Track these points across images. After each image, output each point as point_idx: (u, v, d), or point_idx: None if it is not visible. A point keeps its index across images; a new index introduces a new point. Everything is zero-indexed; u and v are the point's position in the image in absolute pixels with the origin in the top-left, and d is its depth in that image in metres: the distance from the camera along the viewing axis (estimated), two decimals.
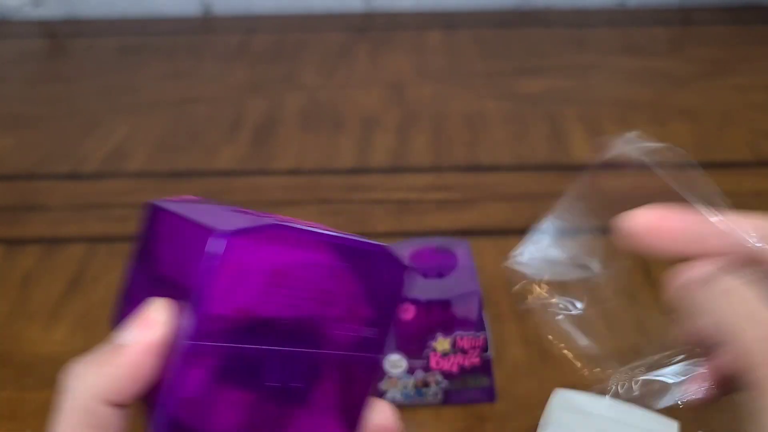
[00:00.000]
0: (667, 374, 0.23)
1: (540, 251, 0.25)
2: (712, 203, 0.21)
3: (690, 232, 0.18)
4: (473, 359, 0.38)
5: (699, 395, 0.21)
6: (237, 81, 0.76)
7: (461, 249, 0.39)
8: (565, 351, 0.24)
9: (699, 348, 0.20)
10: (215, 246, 0.17)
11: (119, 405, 0.19)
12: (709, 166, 0.63)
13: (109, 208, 0.57)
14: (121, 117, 0.70)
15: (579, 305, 0.25)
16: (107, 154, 0.64)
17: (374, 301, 0.20)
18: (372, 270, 0.20)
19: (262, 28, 0.89)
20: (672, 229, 0.19)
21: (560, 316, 0.25)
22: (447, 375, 0.39)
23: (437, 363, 0.38)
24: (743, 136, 0.63)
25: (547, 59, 0.79)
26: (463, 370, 0.38)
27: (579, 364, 0.24)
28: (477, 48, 0.82)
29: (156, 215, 0.22)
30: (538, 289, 0.25)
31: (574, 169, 0.60)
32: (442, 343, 0.37)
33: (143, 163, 0.63)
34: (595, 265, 0.25)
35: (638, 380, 0.23)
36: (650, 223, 0.20)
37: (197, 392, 0.18)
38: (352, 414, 0.20)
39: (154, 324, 0.19)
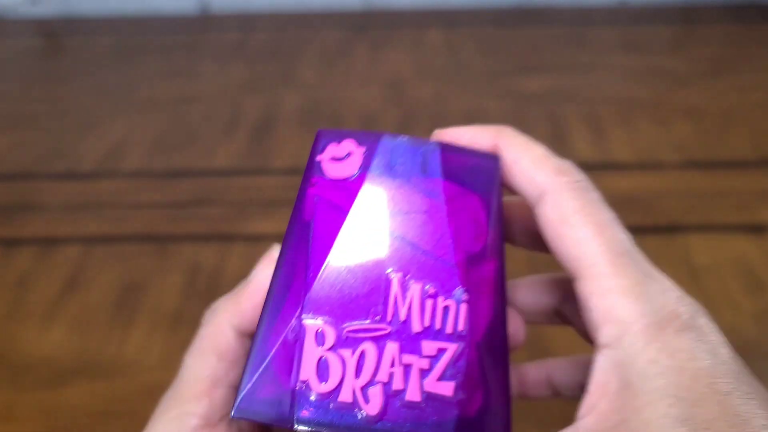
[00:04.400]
0: None
1: None
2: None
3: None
4: None
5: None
6: (235, 79, 0.76)
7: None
8: None
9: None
10: None
11: (243, 333, 0.21)
12: (711, 165, 0.63)
13: (105, 208, 0.57)
14: (117, 116, 0.69)
15: None
16: (104, 153, 0.64)
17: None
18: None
19: (260, 26, 0.89)
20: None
21: None
22: None
23: None
24: (746, 135, 0.63)
25: (548, 58, 0.78)
26: None
27: None
28: (477, 46, 0.82)
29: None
30: None
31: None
32: None
33: (140, 162, 0.62)
34: None
35: None
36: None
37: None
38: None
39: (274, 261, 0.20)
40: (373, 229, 0.20)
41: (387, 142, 0.20)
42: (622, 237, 0.19)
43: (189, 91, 0.74)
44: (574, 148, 0.62)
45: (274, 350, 0.18)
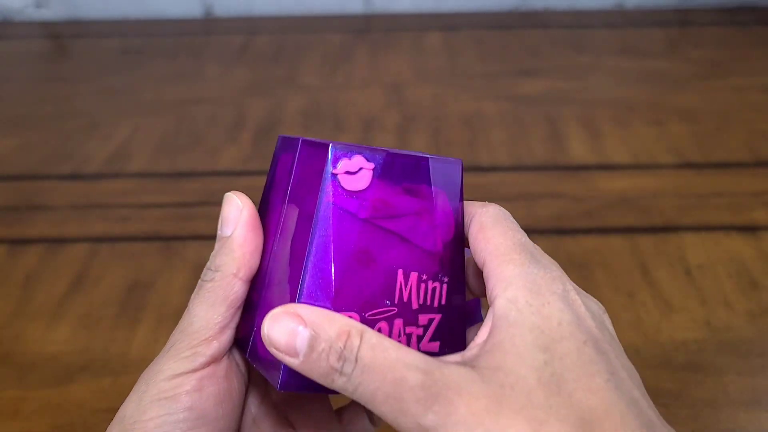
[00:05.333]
0: None
1: None
2: None
3: None
4: None
5: None
6: (238, 82, 0.77)
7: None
8: None
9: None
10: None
11: (246, 281, 0.25)
12: (707, 166, 0.64)
13: (111, 209, 0.57)
14: (123, 118, 0.70)
15: None
16: (109, 154, 0.64)
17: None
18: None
19: (263, 29, 0.90)
20: None
21: None
22: None
23: None
24: (741, 136, 0.64)
25: (545, 60, 0.79)
26: None
27: None
28: (476, 49, 0.82)
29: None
30: None
31: (573, 169, 0.60)
32: None
33: (145, 163, 0.63)
34: None
35: None
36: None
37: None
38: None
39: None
40: (382, 232, 0.24)
41: (389, 158, 0.24)
42: (521, 237, 0.24)
43: (193, 93, 0.75)
44: (571, 149, 0.63)
45: None
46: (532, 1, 0.92)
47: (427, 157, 0.25)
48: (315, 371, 0.21)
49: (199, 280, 0.25)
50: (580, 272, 0.49)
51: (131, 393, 0.25)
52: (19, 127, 0.69)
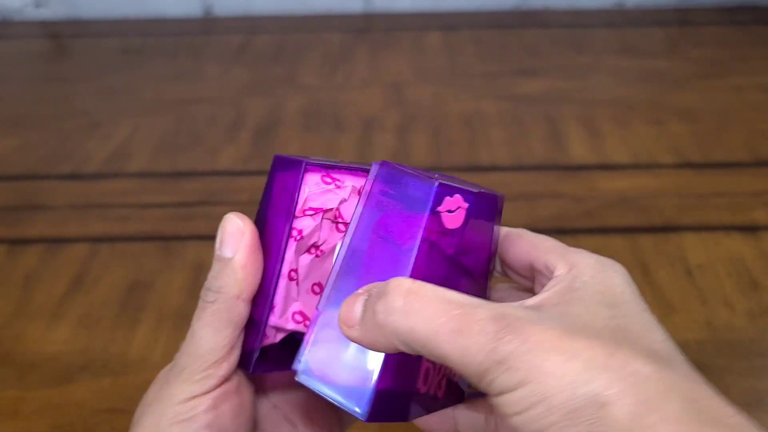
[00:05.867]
0: None
1: None
2: None
3: None
4: None
5: None
6: (238, 81, 0.77)
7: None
8: None
9: None
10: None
11: (248, 301, 0.25)
12: (707, 166, 0.64)
13: (110, 208, 0.57)
14: (122, 117, 0.70)
15: None
16: (109, 154, 0.64)
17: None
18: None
19: (262, 29, 0.90)
20: None
21: None
22: None
23: None
24: (741, 136, 0.64)
25: (545, 60, 0.79)
26: None
27: None
28: (476, 49, 0.82)
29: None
30: None
31: (573, 169, 0.60)
32: None
33: (145, 163, 0.63)
34: None
35: None
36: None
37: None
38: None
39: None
40: (458, 267, 0.25)
41: (479, 198, 0.25)
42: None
43: (193, 92, 0.75)
44: (571, 149, 0.63)
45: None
46: (532, 1, 0.92)
47: (499, 196, 0.26)
48: (369, 323, 0.20)
49: (200, 300, 0.25)
50: None
51: (145, 417, 0.25)
52: (18, 127, 0.69)
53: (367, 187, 0.25)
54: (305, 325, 0.26)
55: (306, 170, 0.25)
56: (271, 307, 0.25)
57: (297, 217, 0.25)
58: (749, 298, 0.46)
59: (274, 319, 0.26)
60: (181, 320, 0.46)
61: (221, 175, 0.61)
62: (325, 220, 0.26)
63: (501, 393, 0.18)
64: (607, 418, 0.17)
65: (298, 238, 0.25)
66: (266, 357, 0.26)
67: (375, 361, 0.22)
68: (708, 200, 0.55)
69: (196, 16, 0.94)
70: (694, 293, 0.47)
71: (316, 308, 0.24)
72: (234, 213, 0.26)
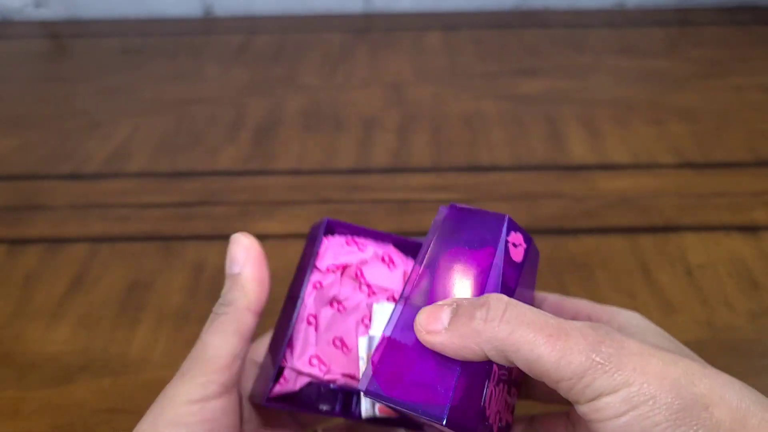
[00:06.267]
0: None
1: None
2: None
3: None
4: None
5: None
6: (238, 81, 0.77)
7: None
8: None
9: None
10: None
11: (257, 314, 0.26)
12: (707, 166, 0.64)
13: (110, 208, 0.57)
14: (122, 117, 0.70)
15: None
16: (109, 154, 0.64)
17: None
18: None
19: (262, 28, 0.90)
20: None
21: None
22: None
23: None
24: (741, 136, 0.64)
25: (545, 60, 0.79)
26: None
27: None
28: (476, 49, 0.82)
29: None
30: None
31: (573, 169, 0.60)
32: None
33: (145, 163, 0.63)
34: None
35: None
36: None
37: None
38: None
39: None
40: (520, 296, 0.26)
41: (533, 245, 0.26)
42: None
43: (193, 92, 0.75)
44: (571, 149, 0.63)
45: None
46: (532, 1, 0.92)
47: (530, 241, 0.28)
48: (461, 329, 0.21)
49: (212, 314, 0.27)
50: (580, 272, 0.49)
51: (146, 414, 0.26)
52: (18, 127, 0.70)
53: (438, 221, 0.27)
54: (320, 370, 0.27)
55: (330, 229, 0.29)
56: (291, 348, 0.27)
57: (320, 270, 0.28)
58: (749, 298, 0.47)
59: (291, 360, 0.27)
60: (181, 320, 0.46)
61: (221, 175, 0.61)
62: (348, 279, 0.28)
63: (599, 396, 0.19)
64: (712, 419, 0.18)
65: (318, 287, 0.27)
66: (282, 398, 0.27)
67: (449, 375, 0.22)
68: (708, 200, 0.55)
69: (196, 16, 0.94)
70: (695, 293, 0.47)
71: (383, 334, 0.25)
72: (241, 233, 0.28)
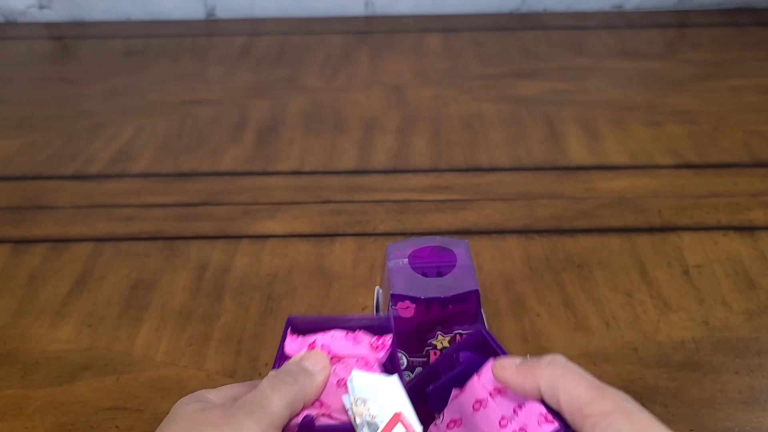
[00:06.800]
0: None
1: None
2: None
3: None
4: None
5: None
6: (240, 83, 0.77)
7: (460, 248, 0.40)
8: None
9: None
10: None
11: (293, 413, 0.27)
12: (704, 167, 0.64)
13: (114, 209, 0.58)
14: (126, 118, 0.71)
15: None
16: (113, 155, 0.65)
17: None
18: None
19: (265, 31, 0.90)
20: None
21: None
22: None
23: None
24: (738, 137, 0.64)
25: (544, 62, 0.79)
26: None
27: None
28: (475, 51, 0.83)
29: None
30: None
31: (571, 169, 0.61)
32: (441, 341, 0.38)
33: (148, 164, 0.63)
34: None
35: None
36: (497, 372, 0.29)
37: None
38: None
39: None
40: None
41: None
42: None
43: (196, 94, 0.75)
44: (570, 150, 0.63)
45: None
46: (532, 3, 0.93)
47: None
48: (528, 368, 0.26)
49: (275, 373, 0.28)
50: (578, 272, 0.49)
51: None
52: (23, 128, 0.70)
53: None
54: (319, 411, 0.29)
55: (321, 329, 0.31)
56: None
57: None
58: (746, 297, 0.47)
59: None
60: (183, 319, 0.47)
61: (224, 176, 0.61)
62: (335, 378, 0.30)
63: None
64: None
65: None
66: None
67: None
68: (705, 200, 0.56)
69: (199, 19, 0.94)
70: (692, 293, 0.47)
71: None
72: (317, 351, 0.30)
